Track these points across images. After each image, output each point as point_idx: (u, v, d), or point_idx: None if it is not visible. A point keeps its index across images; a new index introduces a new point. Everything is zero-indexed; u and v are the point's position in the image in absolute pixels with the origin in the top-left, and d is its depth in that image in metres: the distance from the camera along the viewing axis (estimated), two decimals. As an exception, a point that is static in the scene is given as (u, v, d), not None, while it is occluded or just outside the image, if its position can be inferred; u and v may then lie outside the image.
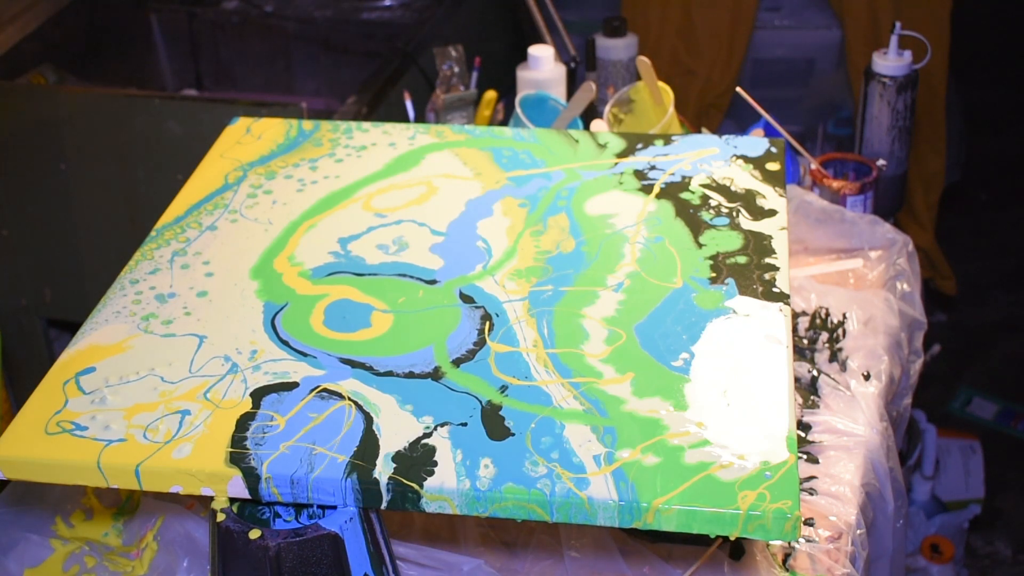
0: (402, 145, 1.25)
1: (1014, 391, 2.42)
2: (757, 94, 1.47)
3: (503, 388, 0.92)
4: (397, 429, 0.89)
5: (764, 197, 1.14)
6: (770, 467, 0.84)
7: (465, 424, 0.89)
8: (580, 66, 1.71)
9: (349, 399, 0.92)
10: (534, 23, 1.68)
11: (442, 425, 0.89)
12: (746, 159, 1.19)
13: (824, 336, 1.28)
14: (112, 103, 1.66)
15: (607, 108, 1.48)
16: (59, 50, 1.93)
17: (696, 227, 1.10)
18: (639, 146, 1.22)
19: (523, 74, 1.61)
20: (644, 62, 1.46)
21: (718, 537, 0.99)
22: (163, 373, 0.95)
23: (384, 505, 0.85)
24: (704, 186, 1.15)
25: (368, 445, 0.87)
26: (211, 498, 0.88)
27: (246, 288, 1.05)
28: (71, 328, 1.93)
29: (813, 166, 1.47)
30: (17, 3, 1.85)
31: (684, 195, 1.14)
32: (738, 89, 1.47)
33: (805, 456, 1.14)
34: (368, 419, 0.90)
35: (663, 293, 1.02)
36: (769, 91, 2.39)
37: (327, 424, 0.89)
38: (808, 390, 1.22)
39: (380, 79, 1.71)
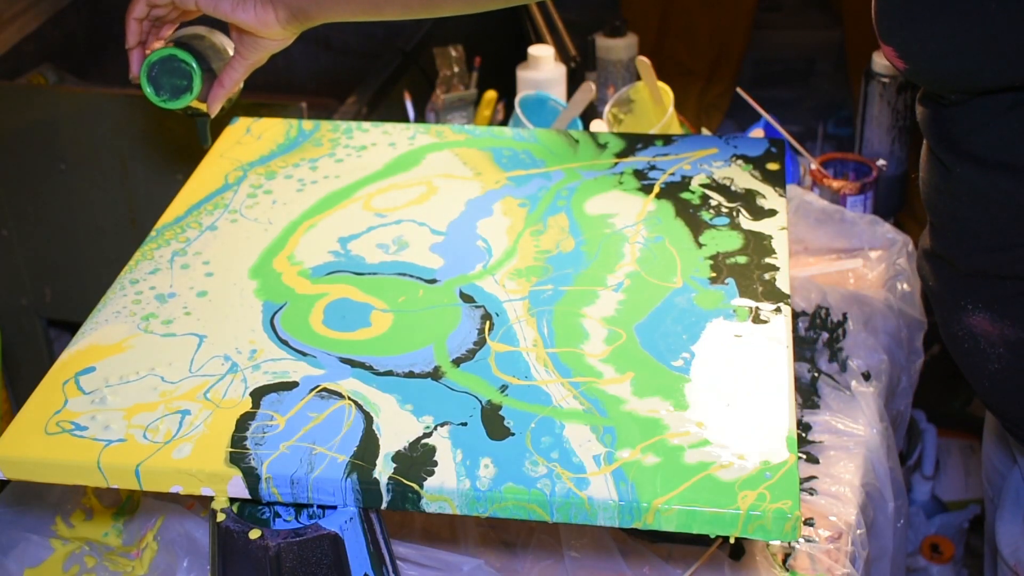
0: (402, 145, 1.25)
1: (1014, 391, 2.41)
2: (757, 94, 1.47)
3: (503, 388, 0.92)
4: (397, 429, 0.89)
5: (764, 197, 1.13)
6: (770, 467, 0.84)
7: (465, 424, 0.89)
8: (580, 66, 1.71)
9: (349, 399, 0.92)
10: (534, 23, 1.68)
11: (442, 425, 0.89)
12: (746, 159, 1.19)
13: (824, 336, 1.28)
14: (112, 103, 1.66)
15: (607, 108, 1.48)
16: (59, 50, 1.93)
17: (696, 227, 1.10)
18: (639, 146, 1.22)
19: (523, 74, 1.61)
20: (644, 62, 1.46)
21: (718, 537, 0.99)
22: (163, 373, 0.95)
23: (384, 505, 0.85)
24: (704, 186, 1.15)
25: (368, 445, 0.87)
26: (211, 498, 0.88)
27: (245, 288, 1.05)
28: (71, 328, 1.93)
29: (813, 166, 1.47)
30: (17, 3, 1.85)
31: (684, 195, 1.14)
32: (738, 89, 1.47)
33: (805, 456, 1.14)
34: (368, 419, 0.90)
35: (663, 293, 1.02)
36: (769, 91, 2.39)
37: (327, 424, 0.89)
38: (808, 390, 1.22)
39: (380, 79, 1.71)
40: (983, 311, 0.92)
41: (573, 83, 1.64)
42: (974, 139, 0.87)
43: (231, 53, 1.08)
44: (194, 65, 1.05)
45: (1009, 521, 1.07)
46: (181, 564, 1.01)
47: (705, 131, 1.53)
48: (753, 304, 1.00)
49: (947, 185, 0.91)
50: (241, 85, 1.09)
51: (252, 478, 0.85)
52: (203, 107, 1.09)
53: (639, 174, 1.18)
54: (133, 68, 1.07)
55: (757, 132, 1.51)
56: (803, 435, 1.16)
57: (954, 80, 0.85)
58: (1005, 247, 0.89)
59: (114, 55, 2.00)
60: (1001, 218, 0.88)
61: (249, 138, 1.27)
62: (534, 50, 1.61)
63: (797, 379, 1.22)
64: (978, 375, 0.96)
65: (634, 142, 1.23)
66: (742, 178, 1.16)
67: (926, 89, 0.92)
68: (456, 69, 1.65)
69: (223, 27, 1.08)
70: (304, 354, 0.97)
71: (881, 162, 1.49)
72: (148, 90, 1.06)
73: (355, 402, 0.91)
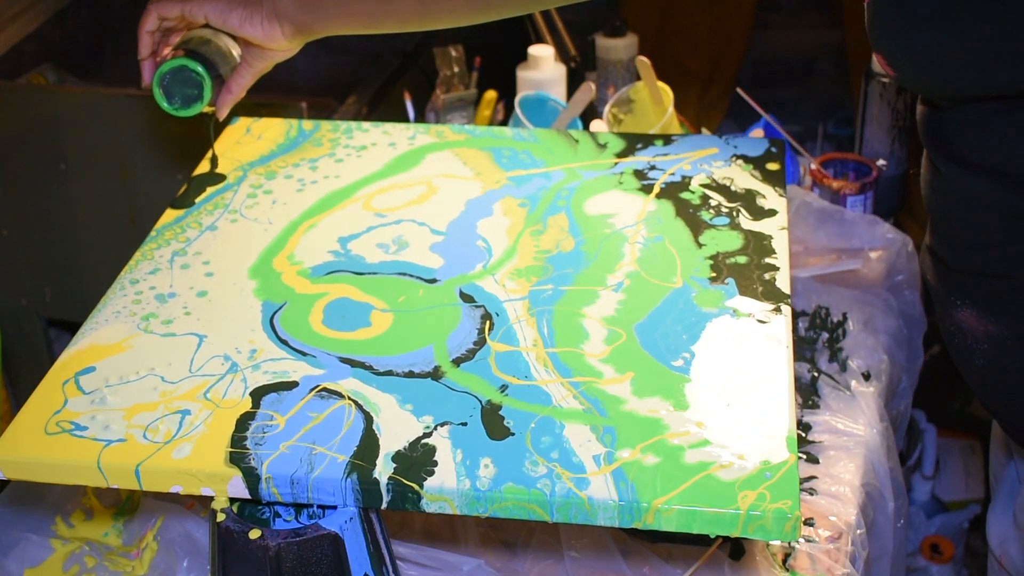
0: (402, 145, 1.25)
1: (1014, 391, 2.41)
2: (757, 94, 1.47)
3: (503, 388, 0.92)
4: (397, 429, 0.89)
5: (764, 197, 1.14)
6: (770, 467, 0.84)
7: (465, 424, 0.89)
8: (580, 66, 1.71)
9: (349, 398, 0.92)
10: (534, 23, 1.68)
11: (442, 425, 0.89)
12: (746, 159, 1.19)
13: (824, 336, 1.28)
14: (112, 103, 1.66)
15: (607, 108, 1.48)
16: (59, 50, 1.93)
17: (696, 227, 1.10)
18: (639, 146, 1.22)
19: (523, 74, 1.61)
20: (644, 62, 1.46)
21: (718, 537, 0.99)
22: (163, 373, 0.95)
23: (384, 505, 0.85)
24: (704, 186, 1.15)
25: (368, 445, 0.87)
26: (211, 498, 0.88)
27: (245, 287, 1.05)
28: (71, 328, 1.93)
29: (813, 166, 1.47)
30: (17, 3, 1.85)
31: (684, 195, 1.14)
32: (738, 89, 1.47)
33: (805, 456, 1.14)
34: (368, 419, 0.90)
35: (663, 293, 1.02)
36: (769, 91, 2.39)
37: (327, 424, 0.89)
38: (808, 390, 1.21)
39: (380, 79, 1.71)
40: (970, 307, 0.95)
41: (573, 83, 1.64)
42: (961, 142, 0.90)
43: (236, 54, 1.12)
44: (204, 75, 1.08)
45: (1000, 513, 1.09)
46: (181, 564, 1.01)
47: (705, 131, 1.53)
48: (753, 304, 1.00)
49: (938, 184, 0.94)
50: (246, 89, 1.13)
51: (252, 478, 0.85)
52: (211, 110, 1.13)
53: (639, 174, 1.18)
54: (145, 77, 1.12)
55: (757, 132, 1.51)
56: (803, 435, 1.16)
57: (940, 87, 0.88)
58: (988, 245, 0.91)
59: (114, 55, 2.00)
60: (984, 218, 0.91)
61: (249, 138, 1.27)
62: (534, 50, 1.61)
63: (797, 379, 1.22)
64: (967, 369, 0.99)
65: (634, 142, 1.23)
66: (742, 178, 1.16)
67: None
68: (456, 69, 1.65)
69: None
70: (304, 354, 0.97)
71: (881, 162, 1.49)
72: (161, 99, 1.10)
73: (355, 402, 0.91)
